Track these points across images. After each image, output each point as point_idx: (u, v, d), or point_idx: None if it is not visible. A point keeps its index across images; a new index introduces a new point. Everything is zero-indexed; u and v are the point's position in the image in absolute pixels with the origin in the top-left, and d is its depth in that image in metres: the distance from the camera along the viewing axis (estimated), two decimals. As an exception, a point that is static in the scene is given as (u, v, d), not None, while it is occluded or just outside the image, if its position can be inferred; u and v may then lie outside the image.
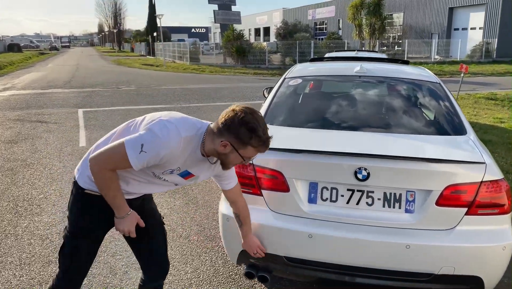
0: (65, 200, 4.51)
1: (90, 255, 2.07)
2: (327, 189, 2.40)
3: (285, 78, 3.50)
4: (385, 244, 2.27)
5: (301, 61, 26.93)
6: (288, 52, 28.21)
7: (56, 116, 9.69)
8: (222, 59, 31.07)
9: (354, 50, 9.22)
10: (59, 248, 2.08)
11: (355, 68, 3.37)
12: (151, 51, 47.37)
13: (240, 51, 27.38)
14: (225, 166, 1.92)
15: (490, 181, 2.28)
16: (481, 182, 2.26)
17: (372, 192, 2.36)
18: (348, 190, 2.38)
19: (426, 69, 3.75)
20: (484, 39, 31.85)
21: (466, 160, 2.30)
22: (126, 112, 10.09)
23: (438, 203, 2.27)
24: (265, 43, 34.24)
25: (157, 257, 2.24)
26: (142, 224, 2.00)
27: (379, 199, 2.35)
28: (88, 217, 2.00)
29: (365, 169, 2.28)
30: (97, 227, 2.04)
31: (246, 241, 2.41)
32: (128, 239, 2.16)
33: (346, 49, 24.30)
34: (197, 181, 2.07)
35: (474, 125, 8.58)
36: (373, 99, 3.18)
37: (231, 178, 2.21)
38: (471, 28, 34.11)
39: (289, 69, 3.74)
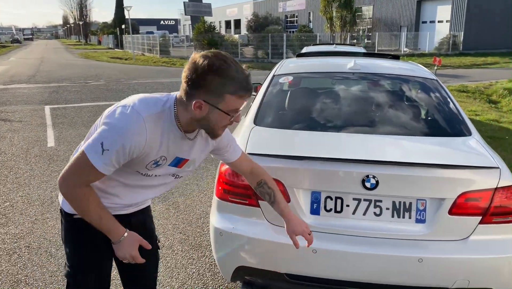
0: (34, 208, 4.15)
1: None
2: (331, 199, 2.20)
3: (274, 76, 3.27)
4: (395, 257, 2.09)
5: (273, 54, 26.84)
6: (261, 45, 27.95)
7: (21, 114, 9.12)
8: (193, 52, 30.49)
9: (332, 44, 9.05)
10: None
11: (348, 64, 3.18)
12: (119, 44, 46.12)
13: (212, 44, 26.92)
14: (213, 133, 1.57)
15: (505, 187, 2.13)
16: (496, 188, 2.11)
17: (380, 201, 2.17)
18: (354, 199, 2.18)
19: (418, 64, 3.59)
20: (451, 32, 32.55)
21: (480, 164, 2.15)
22: (96, 109, 9.62)
23: (451, 212, 2.11)
24: (236, 36, 33.87)
25: (147, 284, 1.98)
26: (147, 245, 1.65)
27: (387, 209, 2.17)
28: (89, 246, 1.70)
29: (374, 177, 2.09)
30: (101, 255, 1.74)
31: (291, 222, 1.94)
32: (117, 261, 1.86)
33: (318, 42, 24.24)
34: (196, 164, 1.77)
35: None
36: (372, 98, 2.99)
37: (232, 144, 1.88)
38: (439, 21, 34.76)
39: (277, 65, 3.51)
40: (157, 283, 2.85)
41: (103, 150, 1.41)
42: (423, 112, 2.81)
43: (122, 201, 1.69)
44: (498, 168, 2.14)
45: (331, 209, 2.20)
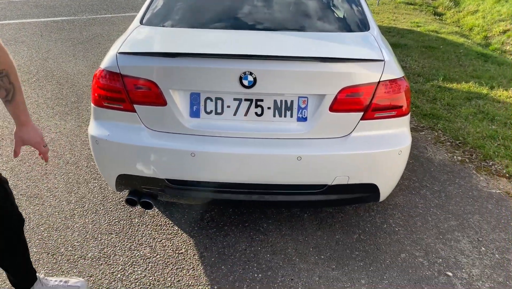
0: None
1: None
2: (211, 100, 2.07)
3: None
4: (275, 157, 2.04)
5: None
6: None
7: None
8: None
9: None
10: None
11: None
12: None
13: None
14: None
15: (389, 80, 2.06)
16: (379, 81, 2.04)
17: (262, 100, 2.06)
18: (235, 99, 2.06)
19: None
20: None
21: (363, 57, 2.04)
22: (20, 26, 8.80)
23: (332, 109, 2.04)
24: None
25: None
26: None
27: (269, 108, 2.07)
28: None
29: (251, 74, 1.96)
30: None
31: (23, 128, 1.66)
32: None
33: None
34: None
35: (392, 30, 8.51)
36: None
37: None
38: None
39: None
40: (54, 198, 2.74)
41: None
42: (324, 9, 2.63)
43: None
44: (382, 60, 2.05)
45: (211, 111, 2.08)
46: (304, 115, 2.07)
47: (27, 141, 1.68)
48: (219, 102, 2.07)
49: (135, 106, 2.08)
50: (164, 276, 2.18)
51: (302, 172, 2.07)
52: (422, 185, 3.01)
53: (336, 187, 2.12)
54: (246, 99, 2.06)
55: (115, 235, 2.47)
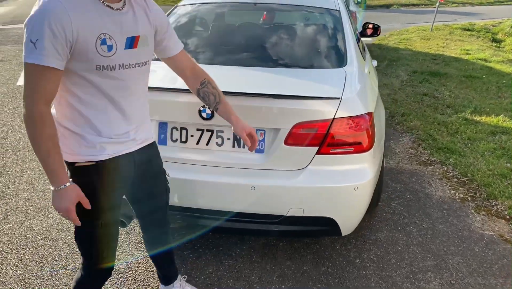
0: (-23, 142, 4.35)
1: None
2: (177, 129, 2.24)
3: (176, 6, 3.21)
4: (231, 186, 2.15)
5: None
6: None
7: (6, 53, 9.26)
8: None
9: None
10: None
11: (250, -5, 3.07)
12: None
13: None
14: None
15: (345, 117, 2.10)
16: (333, 118, 2.09)
17: (222, 131, 2.19)
18: (198, 129, 2.21)
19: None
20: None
21: (317, 95, 2.11)
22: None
23: (286, 142, 2.12)
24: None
25: (157, 219, 2.02)
26: (87, 204, 1.55)
27: (228, 139, 2.19)
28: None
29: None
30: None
31: (240, 122, 1.85)
32: (129, 197, 1.88)
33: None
34: (150, 43, 1.64)
35: (437, 57, 8.28)
36: (254, 30, 2.92)
37: (171, 30, 1.75)
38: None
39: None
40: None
41: (34, 43, 1.35)
42: (304, 44, 2.73)
43: (109, 124, 1.58)
44: (338, 98, 2.11)
45: (177, 140, 2.24)
46: (262, 147, 2.17)
47: (247, 131, 1.84)
48: (184, 131, 2.23)
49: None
50: (130, 291, 2.34)
51: (257, 202, 2.15)
52: (411, 222, 2.95)
53: (292, 218, 2.18)
54: (208, 130, 2.20)
55: (99, 249, 2.68)
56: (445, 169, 3.71)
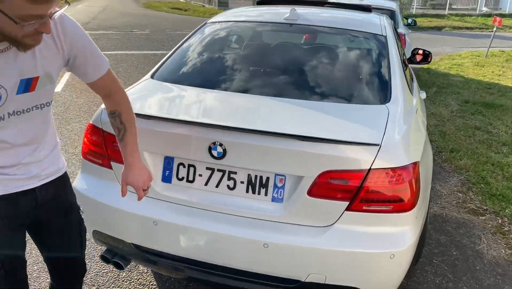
0: None
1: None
2: (184, 166, 1.93)
3: (206, 23, 2.94)
4: (240, 240, 1.81)
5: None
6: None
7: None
8: (252, 3, 29.79)
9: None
10: None
11: (286, 14, 2.75)
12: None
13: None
14: (17, 43, 1.18)
15: (384, 169, 1.73)
16: (369, 169, 1.72)
17: (235, 173, 1.86)
18: (208, 168, 1.89)
19: (384, 18, 3.05)
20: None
21: (352, 140, 1.74)
22: (121, 58, 9.68)
23: (310, 193, 1.76)
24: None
25: (71, 261, 1.73)
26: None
27: (242, 183, 1.86)
28: None
29: (221, 145, 1.78)
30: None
31: (134, 163, 1.64)
32: (34, 238, 1.64)
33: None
34: (54, 81, 1.41)
35: (492, 87, 7.64)
36: (287, 54, 2.59)
37: (95, 57, 1.48)
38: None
39: (222, 13, 3.17)
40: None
41: None
42: (340, 75, 2.37)
43: None
44: (377, 144, 1.73)
45: (183, 178, 1.94)
46: (280, 196, 1.82)
47: (130, 183, 1.66)
48: (192, 169, 1.92)
49: (112, 163, 2.02)
50: None
51: (270, 262, 1.80)
52: (457, 287, 2.49)
53: (311, 285, 1.81)
54: (219, 170, 1.88)
55: (96, 287, 2.40)
56: (500, 221, 3.21)
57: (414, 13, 23.62)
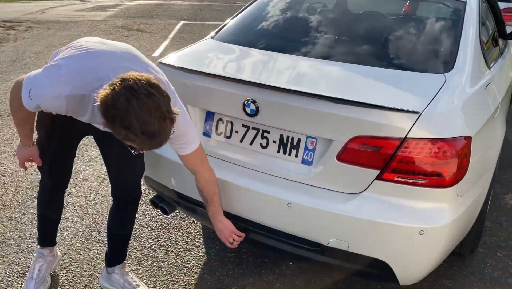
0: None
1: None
2: (223, 122, 1.99)
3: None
4: (268, 197, 1.82)
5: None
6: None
7: (156, 26, 10.08)
8: None
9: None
10: None
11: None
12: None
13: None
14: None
15: (422, 139, 1.60)
16: (405, 138, 1.60)
17: (268, 132, 1.87)
18: (244, 126, 1.93)
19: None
20: None
21: (387, 105, 1.63)
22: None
23: (339, 158, 1.70)
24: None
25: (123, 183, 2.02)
26: (39, 162, 1.94)
27: (274, 142, 1.86)
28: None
29: (254, 102, 1.80)
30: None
31: (216, 224, 1.92)
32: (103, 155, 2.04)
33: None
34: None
35: None
36: (353, 20, 2.46)
37: (182, 139, 1.71)
38: None
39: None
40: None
41: (29, 96, 1.54)
42: (403, 41, 2.19)
43: None
44: (416, 112, 1.60)
45: (221, 133, 2.00)
46: (310, 158, 1.79)
47: (220, 235, 1.94)
48: (229, 125, 1.97)
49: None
50: (157, 284, 2.20)
51: (293, 222, 1.79)
52: (518, 284, 2.24)
53: (334, 250, 1.77)
54: (253, 128, 1.90)
55: (149, 229, 2.62)
56: None
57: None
